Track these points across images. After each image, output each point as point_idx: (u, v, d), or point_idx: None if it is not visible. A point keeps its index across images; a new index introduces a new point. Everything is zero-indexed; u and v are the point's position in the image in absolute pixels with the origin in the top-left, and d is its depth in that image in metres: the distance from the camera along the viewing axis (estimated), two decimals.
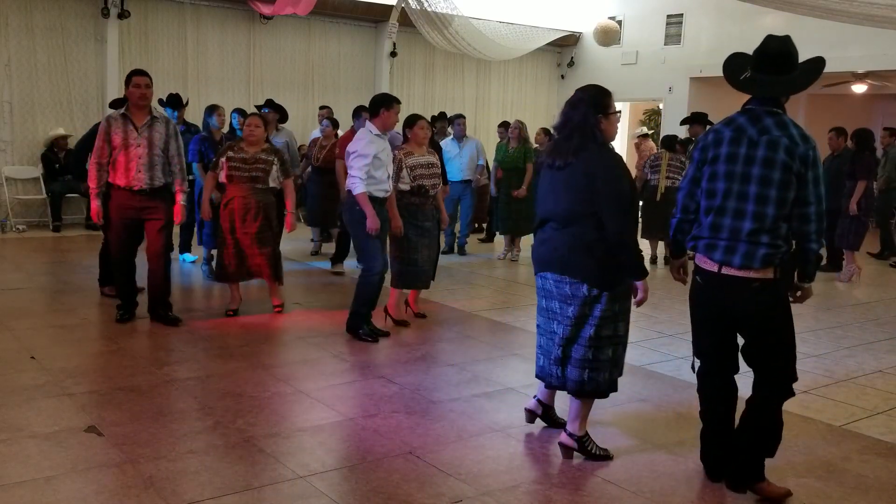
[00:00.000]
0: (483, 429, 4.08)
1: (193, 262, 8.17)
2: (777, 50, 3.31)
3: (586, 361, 3.62)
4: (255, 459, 3.57)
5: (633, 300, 3.66)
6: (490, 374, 5.02)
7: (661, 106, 14.54)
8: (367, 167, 5.37)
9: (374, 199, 5.42)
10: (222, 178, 6.01)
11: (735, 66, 3.41)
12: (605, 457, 3.74)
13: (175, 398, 4.33)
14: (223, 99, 10.68)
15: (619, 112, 3.69)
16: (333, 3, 12.00)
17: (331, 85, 12.91)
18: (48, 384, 4.45)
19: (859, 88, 12.94)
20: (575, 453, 3.74)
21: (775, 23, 12.14)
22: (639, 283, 3.60)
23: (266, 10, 11.15)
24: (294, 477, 3.41)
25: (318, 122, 9.73)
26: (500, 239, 10.23)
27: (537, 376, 3.96)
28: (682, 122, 10.00)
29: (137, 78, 5.53)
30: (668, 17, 13.70)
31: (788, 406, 4.56)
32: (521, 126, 9.26)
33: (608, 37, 13.42)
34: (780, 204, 3.19)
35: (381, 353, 5.41)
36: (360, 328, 5.62)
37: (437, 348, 5.55)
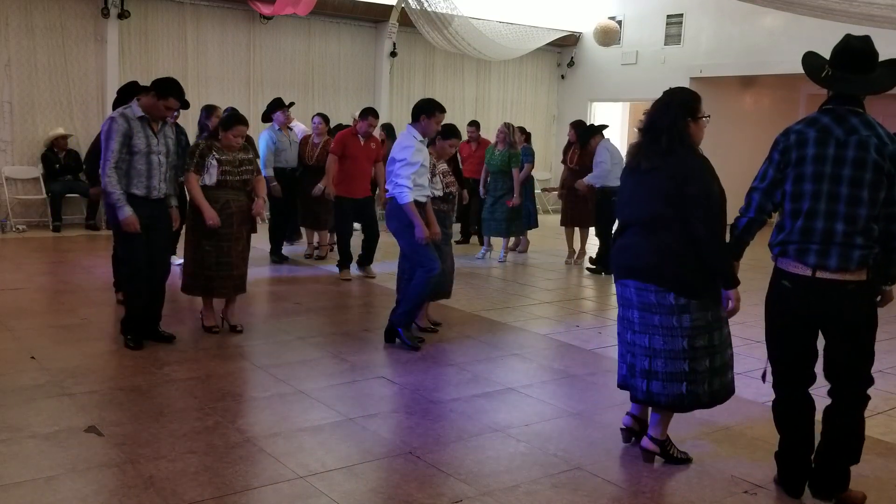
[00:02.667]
0: (483, 429, 4.08)
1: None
2: (860, 48, 3.27)
3: (683, 374, 3.49)
4: (255, 459, 3.57)
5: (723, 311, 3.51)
6: (490, 374, 5.03)
7: None
8: (415, 176, 5.28)
9: (418, 204, 5.34)
10: (212, 181, 5.44)
11: (814, 64, 3.36)
12: (686, 460, 3.71)
13: (175, 398, 4.33)
14: (223, 99, 10.66)
15: (709, 116, 3.61)
16: (333, 3, 11.99)
17: (331, 85, 12.91)
18: (48, 384, 4.45)
19: None
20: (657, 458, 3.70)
21: (775, 23, 12.14)
22: (729, 292, 3.43)
23: (266, 10, 11.14)
24: (294, 477, 3.41)
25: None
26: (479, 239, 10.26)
27: (619, 386, 3.86)
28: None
29: (173, 101, 5.04)
30: (668, 17, 13.69)
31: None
32: (507, 129, 9.14)
33: (608, 37, 13.41)
34: (871, 204, 3.15)
35: (381, 353, 5.41)
36: (401, 329, 5.44)
37: (437, 348, 5.55)
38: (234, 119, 5.58)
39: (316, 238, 9.02)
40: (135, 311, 5.23)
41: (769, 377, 3.46)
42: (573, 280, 8.50)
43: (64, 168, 10.36)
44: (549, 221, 11.97)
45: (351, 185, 7.68)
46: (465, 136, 9.40)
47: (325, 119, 9.01)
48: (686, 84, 13.29)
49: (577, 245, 9.35)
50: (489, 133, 11.17)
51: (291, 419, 4.11)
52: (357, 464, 3.58)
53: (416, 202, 5.34)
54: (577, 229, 9.29)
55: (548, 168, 15.22)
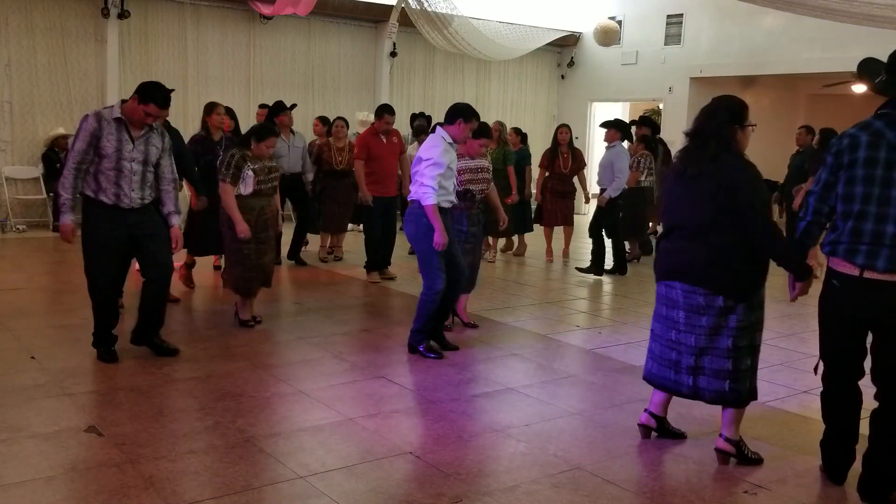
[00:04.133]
0: (483, 429, 4.08)
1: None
2: None
3: (727, 372, 3.61)
4: (255, 459, 3.57)
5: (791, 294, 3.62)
6: (490, 374, 5.03)
7: (661, 106, 14.55)
8: (440, 177, 5.13)
9: (440, 210, 5.17)
10: (248, 190, 5.58)
11: (871, 69, 3.44)
12: (757, 461, 3.74)
13: (175, 398, 4.33)
14: (223, 99, 10.62)
15: (755, 125, 3.70)
16: (333, 3, 12.00)
17: (331, 85, 12.91)
18: (48, 384, 4.45)
19: (859, 88, 12.93)
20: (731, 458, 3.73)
21: (775, 23, 12.14)
22: (798, 283, 3.55)
23: (266, 10, 11.14)
24: (294, 477, 3.41)
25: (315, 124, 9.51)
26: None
27: (647, 379, 3.94)
28: (632, 123, 10.20)
29: (153, 107, 4.63)
30: (668, 17, 13.69)
31: (788, 406, 4.58)
32: (500, 127, 9.05)
33: (608, 37, 13.41)
34: None
35: (381, 354, 5.41)
36: (421, 345, 5.35)
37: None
38: (267, 132, 5.77)
39: (329, 241, 8.96)
40: (99, 322, 4.89)
41: (820, 369, 3.56)
42: (573, 280, 8.50)
43: (64, 168, 10.34)
44: None
45: (382, 184, 7.58)
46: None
47: (324, 121, 8.99)
48: (686, 84, 13.33)
49: (552, 244, 9.38)
50: None
51: (291, 419, 4.11)
52: (357, 464, 3.58)
53: (441, 208, 5.17)
54: (555, 228, 9.33)
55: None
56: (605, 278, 8.53)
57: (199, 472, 3.41)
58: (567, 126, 9.46)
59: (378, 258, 7.83)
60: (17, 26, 10.27)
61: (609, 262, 8.71)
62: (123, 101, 4.75)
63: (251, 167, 5.59)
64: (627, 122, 10.77)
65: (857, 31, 9.99)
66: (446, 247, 5.16)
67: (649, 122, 10.46)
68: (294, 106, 8.76)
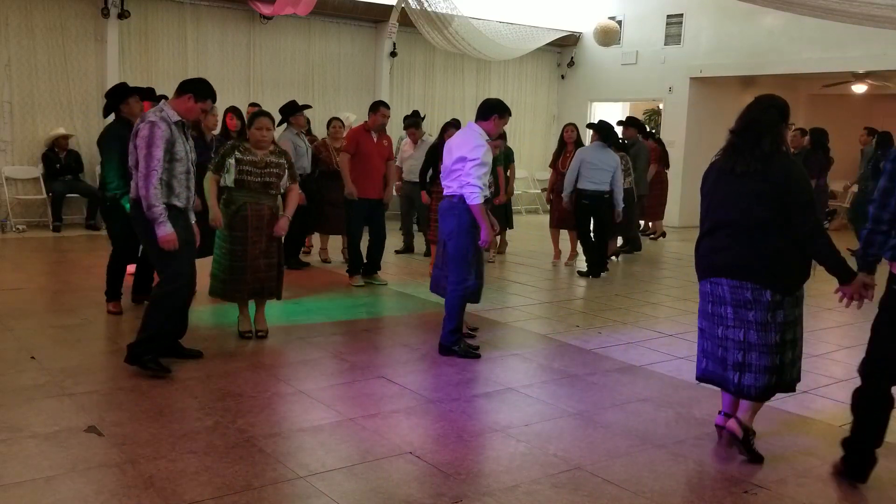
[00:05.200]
0: (483, 429, 4.08)
1: None
2: None
3: (773, 368, 3.66)
4: (255, 459, 3.57)
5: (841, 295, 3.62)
6: (490, 374, 5.03)
7: (661, 106, 14.55)
8: (483, 176, 5.08)
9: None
10: (230, 181, 5.37)
11: None
12: (759, 458, 3.76)
13: (175, 398, 4.33)
14: (223, 99, 10.55)
15: (794, 124, 3.79)
16: (333, 3, 12.00)
17: (331, 85, 12.91)
18: (48, 384, 4.45)
19: (859, 88, 12.94)
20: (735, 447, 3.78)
21: (775, 23, 12.14)
22: (845, 287, 3.56)
23: (266, 10, 11.14)
24: (294, 477, 3.41)
25: (314, 123, 9.50)
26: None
27: (700, 378, 3.96)
28: (618, 124, 10.15)
29: (211, 104, 4.79)
30: (668, 17, 13.69)
31: (788, 406, 4.58)
32: None
33: (608, 37, 13.41)
34: None
35: (381, 353, 5.41)
36: (458, 346, 5.31)
37: (437, 348, 5.54)
38: (256, 114, 5.55)
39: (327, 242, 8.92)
40: (162, 331, 4.75)
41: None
42: (572, 280, 8.50)
43: (64, 168, 10.36)
44: (542, 222, 11.95)
45: (364, 185, 7.37)
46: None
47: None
48: (686, 84, 13.33)
49: (563, 246, 9.35)
50: None
51: (291, 419, 4.11)
52: (357, 464, 3.58)
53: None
54: (565, 231, 9.29)
55: (548, 169, 15.21)
56: (604, 277, 8.53)
57: (199, 472, 3.41)
58: (574, 125, 9.47)
59: (360, 261, 7.63)
60: (17, 26, 10.26)
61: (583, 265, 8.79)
62: (153, 101, 4.70)
63: (236, 157, 5.35)
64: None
65: (857, 31, 10.00)
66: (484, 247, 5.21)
67: (635, 122, 10.46)
68: (308, 106, 8.64)
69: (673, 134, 13.47)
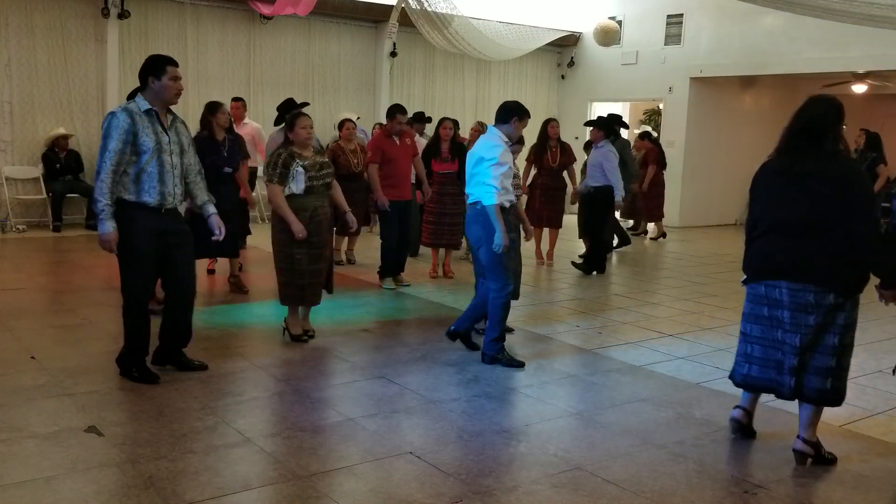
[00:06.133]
0: (483, 429, 4.08)
1: None
2: None
3: (830, 370, 3.61)
4: (255, 459, 3.57)
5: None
6: (490, 374, 5.02)
7: (661, 106, 14.55)
8: (503, 177, 5.01)
9: (502, 210, 5.08)
10: (300, 188, 5.28)
11: None
12: (833, 460, 3.75)
13: (175, 398, 4.33)
14: (223, 99, 10.63)
15: (846, 125, 3.73)
16: (333, 3, 12.00)
17: (331, 85, 12.91)
18: (48, 384, 4.45)
19: (859, 88, 12.93)
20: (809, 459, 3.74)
21: (775, 23, 12.14)
22: (886, 291, 3.54)
23: (266, 10, 11.14)
24: (294, 477, 3.41)
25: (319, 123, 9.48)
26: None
27: (744, 384, 3.90)
28: (586, 124, 9.86)
29: (173, 68, 4.37)
30: (668, 17, 13.69)
31: (788, 406, 4.57)
32: (479, 128, 8.70)
33: (608, 37, 13.41)
34: None
35: (381, 353, 5.41)
36: (501, 354, 5.20)
37: (437, 348, 5.54)
38: (297, 114, 5.47)
39: (345, 244, 8.87)
40: (134, 345, 4.57)
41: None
42: (571, 280, 8.50)
43: (64, 168, 10.36)
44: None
45: (397, 188, 7.37)
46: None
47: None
48: (686, 84, 13.33)
49: (544, 246, 9.28)
50: None
51: (291, 419, 4.11)
52: (357, 464, 3.58)
53: (504, 208, 5.09)
54: (546, 230, 9.21)
55: None
56: (599, 275, 8.53)
57: (199, 472, 3.40)
58: (556, 120, 9.34)
59: (392, 264, 7.61)
60: (17, 26, 10.27)
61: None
62: (130, 97, 4.47)
63: (300, 164, 5.27)
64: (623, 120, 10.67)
65: (857, 31, 10.00)
66: (507, 249, 5.08)
67: (602, 123, 10.05)
68: (305, 104, 8.61)
69: (673, 134, 13.47)
